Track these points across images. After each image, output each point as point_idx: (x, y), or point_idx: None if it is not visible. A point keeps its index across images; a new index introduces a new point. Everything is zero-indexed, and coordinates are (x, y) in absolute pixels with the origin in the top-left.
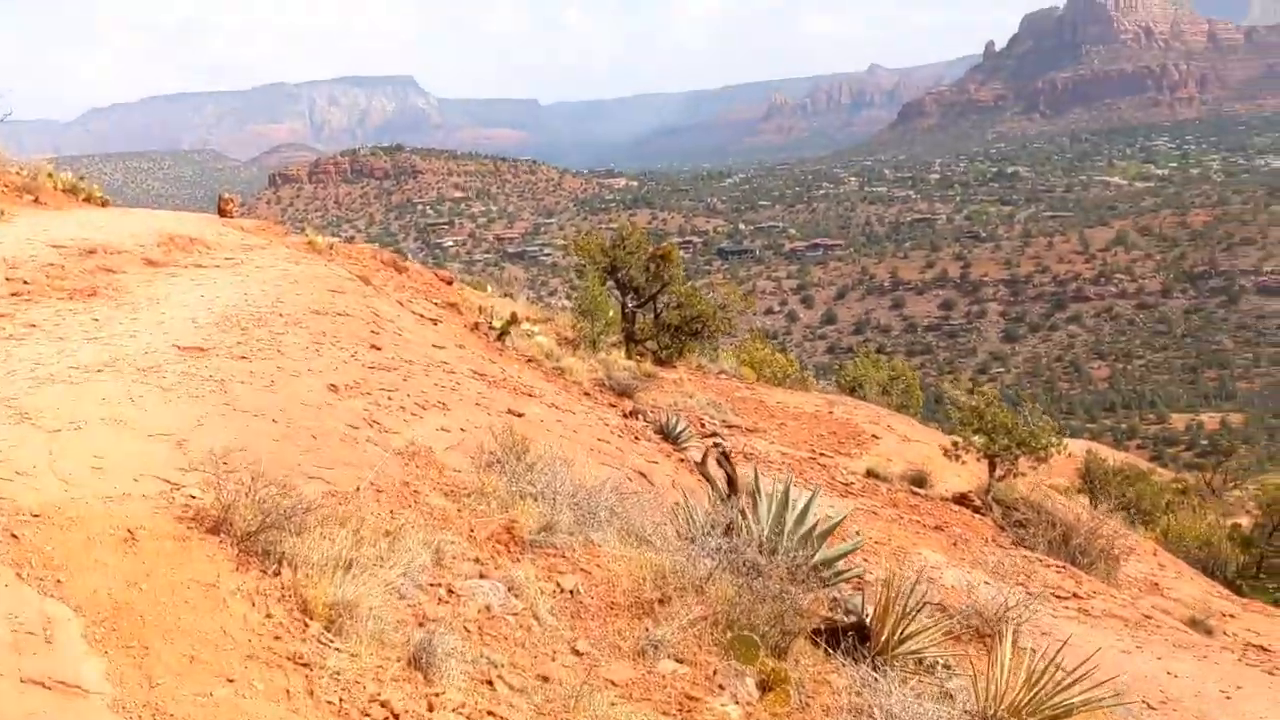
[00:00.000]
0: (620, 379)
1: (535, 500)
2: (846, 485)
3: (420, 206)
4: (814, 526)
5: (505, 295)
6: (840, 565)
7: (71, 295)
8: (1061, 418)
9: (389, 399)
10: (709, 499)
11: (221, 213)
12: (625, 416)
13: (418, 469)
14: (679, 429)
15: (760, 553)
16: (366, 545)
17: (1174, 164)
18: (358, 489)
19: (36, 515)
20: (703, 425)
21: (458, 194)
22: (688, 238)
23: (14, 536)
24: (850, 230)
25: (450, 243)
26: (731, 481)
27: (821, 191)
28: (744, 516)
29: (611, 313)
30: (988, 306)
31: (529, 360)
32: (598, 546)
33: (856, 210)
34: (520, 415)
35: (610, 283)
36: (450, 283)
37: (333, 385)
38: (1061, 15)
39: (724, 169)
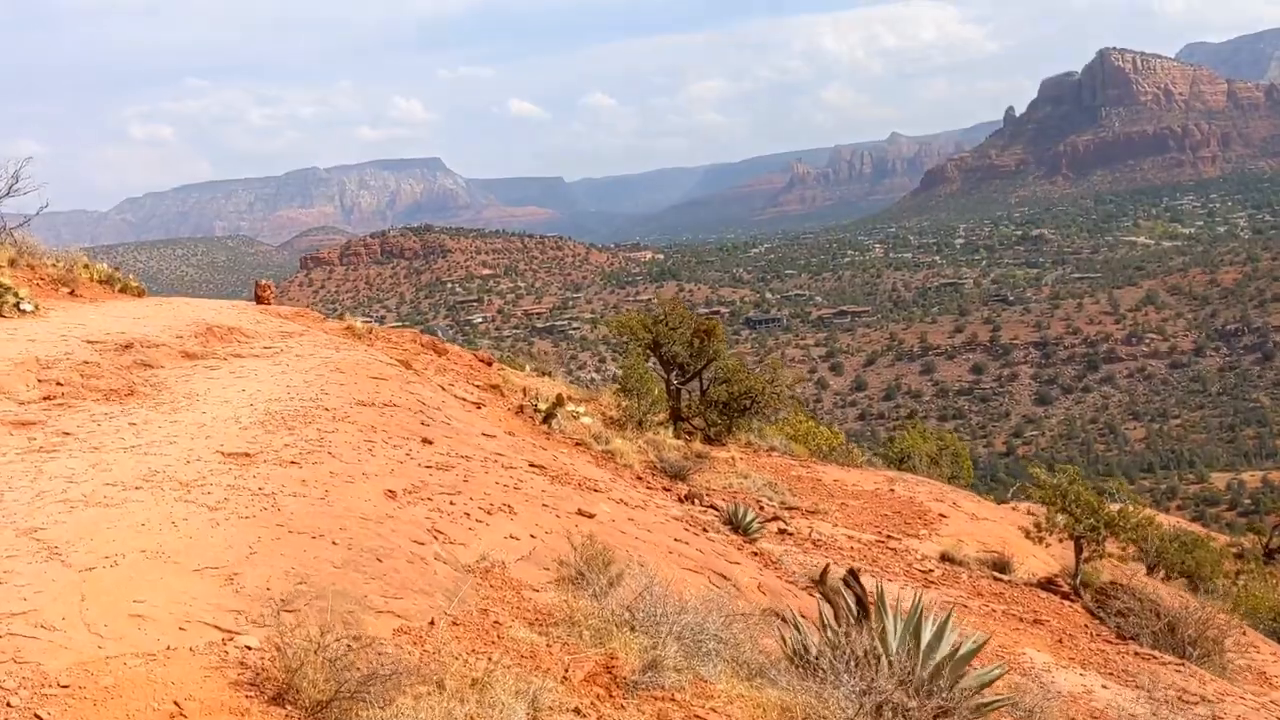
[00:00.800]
0: (672, 461)
1: (632, 630)
2: (925, 574)
3: (449, 285)
4: (955, 650)
5: (543, 374)
6: (985, 693)
7: (107, 396)
8: (1099, 480)
9: (451, 504)
10: (821, 617)
11: (258, 299)
12: (681, 501)
13: (493, 590)
14: (748, 519)
15: (903, 688)
16: (453, 701)
17: (1200, 222)
18: (433, 622)
19: (65, 686)
20: (761, 508)
21: (486, 271)
22: (715, 308)
23: (37, 719)
24: (877, 296)
25: (479, 319)
26: (862, 604)
27: (847, 259)
28: (872, 640)
29: (656, 390)
30: (1019, 369)
31: (577, 444)
32: (710, 685)
33: (882, 277)
34: (591, 516)
35: (653, 359)
36: (490, 364)
37: (390, 491)
38: (1079, 80)
39: (749, 239)
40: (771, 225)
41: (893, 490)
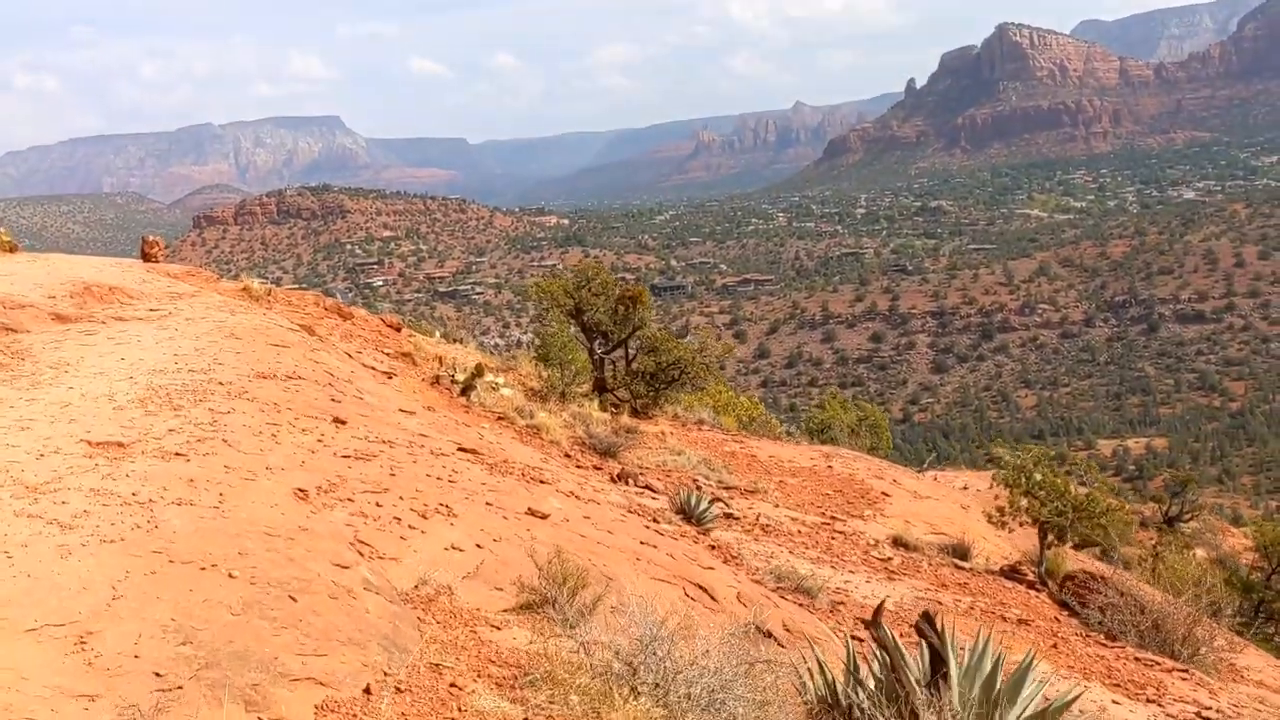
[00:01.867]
0: (601, 436)
1: (634, 692)
2: (885, 562)
3: (349, 246)
4: (1044, 710)
5: (454, 340)
6: None
7: None
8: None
9: (378, 506)
10: (847, 662)
11: (145, 257)
12: (615, 480)
13: (441, 629)
14: (701, 508)
15: None
16: None
17: (1091, 197)
18: (369, 691)
19: None
20: (699, 487)
21: (387, 233)
22: (620, 275)
23: None
24: (780, 265)
25: (380, 282)
26: (939, 657)
27: (751, 227)
28: (934, 691)
29: (579, 360)
30: (916, 338)
31: (499, 418)
32: None
33: (786, 245)
34: (544, 517)
35: (574, 327)
36: (399, 329)
37: (302, 491)
38: (979, 54)
39: (655, 206)
40: (677, 192)
41: (830, 467)
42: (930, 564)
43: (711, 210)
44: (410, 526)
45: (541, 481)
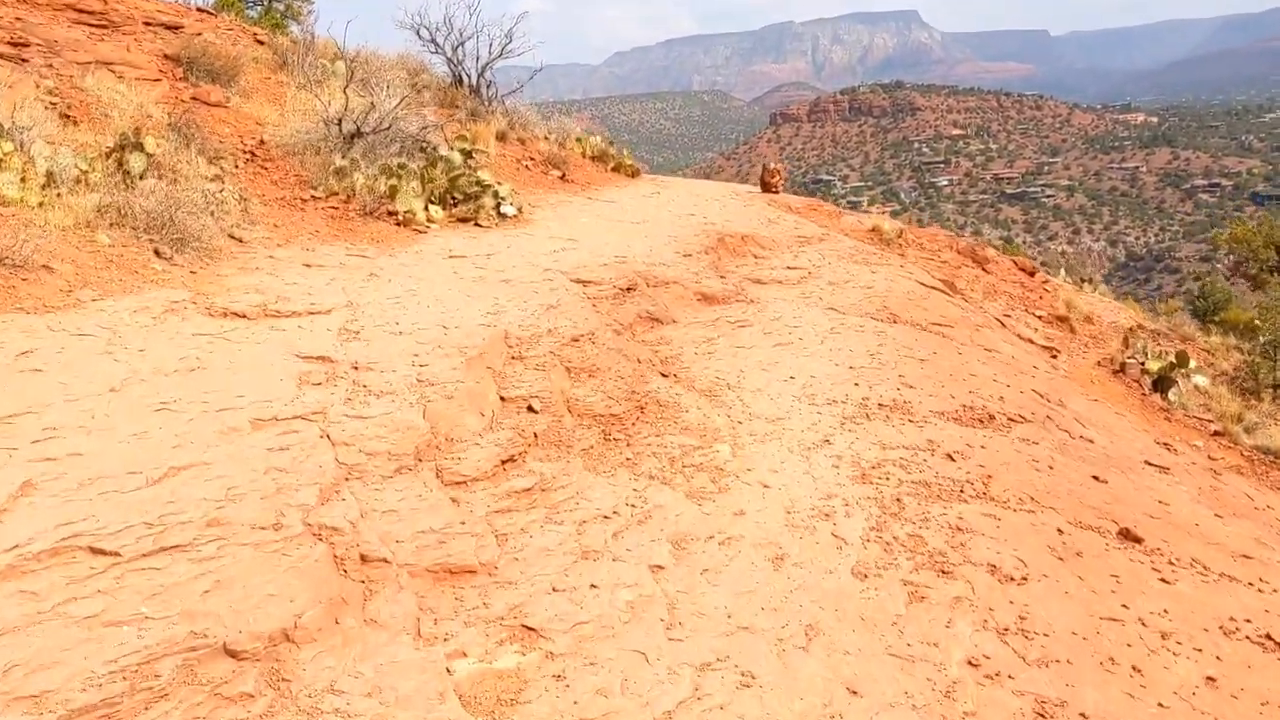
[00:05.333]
0: None
1: None
2: None
3: (916, 144)
4: None
5: (1082, 282)
6: None
7: (606, 432)
8: None
9: None
10: None
11: (765, 186)
12: None
13: None
14: None
15: None
16: None
17: None
18: None
19: None
20: None
21: (956, 132)
22: (1214, 179)
23: None
24: None
25: (945, 182)
26: None
27: None
28: None
29: None
30: None
31: (1215, 434)
32: None
33: None
34: None
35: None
36: (1033, 273)
37: None
38: None
39: (1264, 102)
40: None
41: None
42: None
43: None
44: None
45: None
